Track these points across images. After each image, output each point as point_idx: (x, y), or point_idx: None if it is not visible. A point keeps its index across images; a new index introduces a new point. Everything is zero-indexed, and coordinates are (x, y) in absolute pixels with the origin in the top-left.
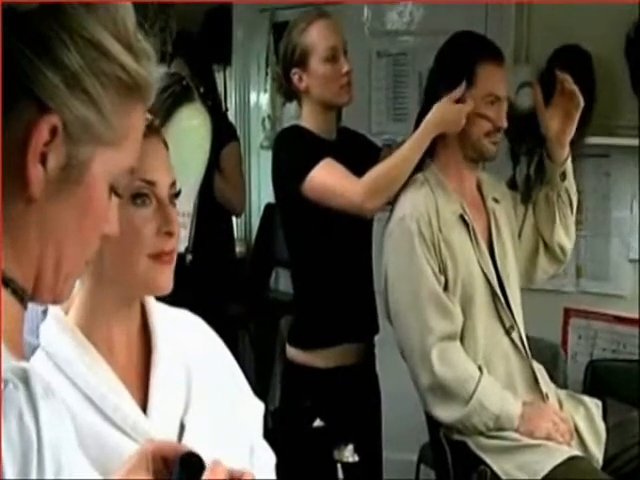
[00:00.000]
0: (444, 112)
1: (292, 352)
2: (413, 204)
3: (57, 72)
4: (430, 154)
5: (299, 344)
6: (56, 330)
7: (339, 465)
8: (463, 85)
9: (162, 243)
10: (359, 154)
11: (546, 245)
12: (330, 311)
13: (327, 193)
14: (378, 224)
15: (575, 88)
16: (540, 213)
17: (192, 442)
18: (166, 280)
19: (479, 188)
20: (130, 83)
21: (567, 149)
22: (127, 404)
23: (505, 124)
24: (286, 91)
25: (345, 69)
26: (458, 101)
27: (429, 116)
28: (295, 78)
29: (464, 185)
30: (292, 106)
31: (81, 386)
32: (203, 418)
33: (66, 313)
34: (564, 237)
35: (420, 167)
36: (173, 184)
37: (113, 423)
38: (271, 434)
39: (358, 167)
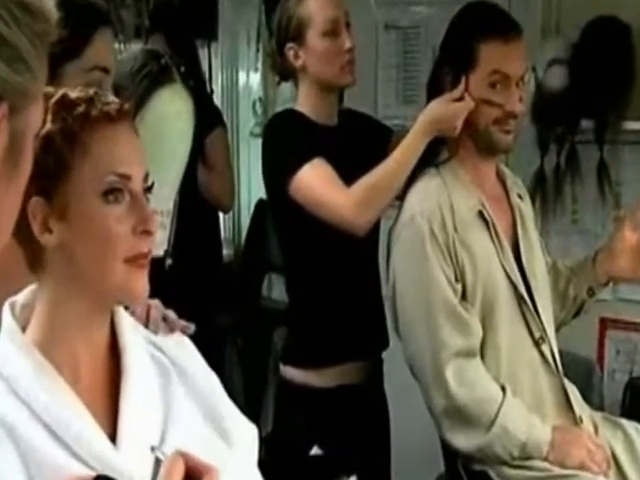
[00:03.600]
0: (437, 114)
1: (286, 370)
2: (424, 201)
3: (1, 54)
4: (443, 144)
5: (294, 362)
6: (11, 349)
7: None
8: (462, 84)
9: (139, 244)
10: (366, 140)
11: None
12: (331, 325)
13: (313, 202)
14: (386, 222)
15: None
16: (554, 291)
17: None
18: (143, 286)
19: (502, 181)
20: (48, 30)
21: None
22: (92, 433)
23: (517, 108)
24: (281, 69)
25: (347, 45)
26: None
27: (421, 117)
28: (290, 54)
29: (482, 178)
30: (287, 88)
31: (39, 413)
32: (183, 449)
33: (23, 330)
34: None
35: (432, 159)
36: (146, 176)
37: (75, 454)
38: (264, 463)
39: (365, 155)
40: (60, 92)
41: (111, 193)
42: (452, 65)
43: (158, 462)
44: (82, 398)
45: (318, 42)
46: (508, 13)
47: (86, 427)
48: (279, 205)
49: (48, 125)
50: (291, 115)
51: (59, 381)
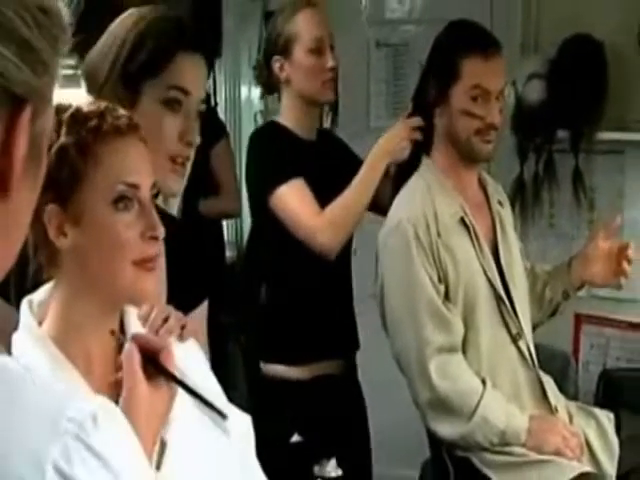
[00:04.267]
0: (385, 142)
1: (264, 367)
2: (409, 208)
3: (26, 59)
4: (427, 153)
5: (270, 358)
6: (28, 342)
7: None
8: (405, 116)
9: (147, 248)
10: (338, 162)
11: None
12: (303, 325)
13: (289, 222)
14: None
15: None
16: (532, 293)
17: (174, 460)
18: (150, 288)
19: (483, 188)
20: (62, 34)
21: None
22: None
23: (496, 120)
24: (266, 81)
25: (330, 64)
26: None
27: (375, 147)
28: (276, 66)
29: (464, 185)
30: None
31: None
32: (185, 435)
33: (40, 324)
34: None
35: (416, 166)
36: (153, 185)
37: None
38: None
39: (338, 174)
40: (74, 107)
41: (121, 201)
42: (437, 78)
43: (164, 445)
44: (93, 387)
45: (303, 57)
46: (489, 31)
47: None
48: (259, 214)
49: (63, 138)
50: (273, 128)
51: (73, 372)
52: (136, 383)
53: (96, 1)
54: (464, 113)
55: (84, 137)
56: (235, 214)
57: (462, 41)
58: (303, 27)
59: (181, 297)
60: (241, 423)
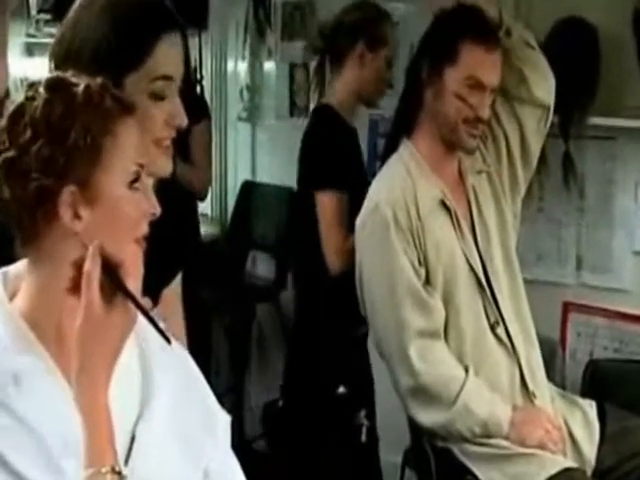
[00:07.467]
0: None
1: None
2: (388, 190)
3: None
4: (408, 134)
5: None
6: None
7: None
8: None
9: (145, 226)
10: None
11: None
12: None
13: (321, 225)
14: None
15: None
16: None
17: (142, 454)
18: (141, 265)
19: (459, 168)
20: None
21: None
22: (70, 406)
23: (486, 115)
24: (334, 47)
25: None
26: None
27: None
28: (358, 49)
29: (444, 167)
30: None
31: (20, 377)
32: (156, 430)
33: (11, 299)
34: (537, 85)
35: (396, 147)
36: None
37: None
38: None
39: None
40: (83, 83)
41: (136, 182)
42: (432, 58)
43: (133, 439)
44: (62, 367)
45: (381, 63)
46: (494, 23)
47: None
48: (305, 197)
49: (83, 115)
50: (331, 121)
51: (37, 346)
52: (92, 301)
53: None
54: (457, 97)
55: (105, 116)
56: (201, 196)
57: (465, 25)
58: (392, 45)
59: (155, 272)
60: (217, 424)
